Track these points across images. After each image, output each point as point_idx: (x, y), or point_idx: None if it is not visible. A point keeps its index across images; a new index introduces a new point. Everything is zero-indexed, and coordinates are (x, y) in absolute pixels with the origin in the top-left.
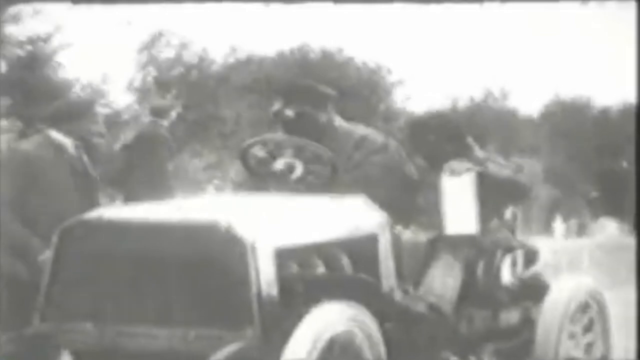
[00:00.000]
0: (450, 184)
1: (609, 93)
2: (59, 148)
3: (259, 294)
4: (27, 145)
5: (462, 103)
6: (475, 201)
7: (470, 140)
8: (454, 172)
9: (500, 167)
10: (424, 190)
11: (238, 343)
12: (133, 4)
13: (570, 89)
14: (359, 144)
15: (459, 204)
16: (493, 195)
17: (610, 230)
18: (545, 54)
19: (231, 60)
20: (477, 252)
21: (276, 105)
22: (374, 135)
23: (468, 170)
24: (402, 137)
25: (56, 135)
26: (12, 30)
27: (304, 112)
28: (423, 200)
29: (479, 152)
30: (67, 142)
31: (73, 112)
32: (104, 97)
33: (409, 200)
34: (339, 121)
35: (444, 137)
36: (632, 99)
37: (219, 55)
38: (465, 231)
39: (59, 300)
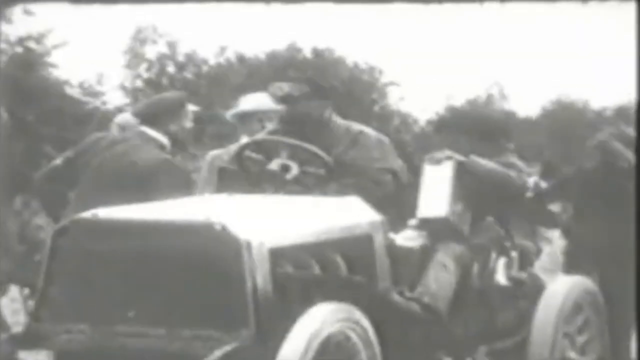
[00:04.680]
0: (430, 172)
1: (609, 94)
2: (161, 147)
3: (254, 294)
4: (147, 151)
5: (459, 103)
6: (449, 186)
7: (504, 142)
8: (434, 161)
9: (487, 161)
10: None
11: (233, 343)
12: (126, 4)
13: (570, 90)
14: (355, 139)
15: (434, 190)
16: (481, 189)
17: None
18: (544, 54)
19: (223, 59)
20: (472, 253)
21: (284, 88)
22: (369, 131)
23: (448, 158)
24: (396, 138)
25: (154, 133)
26: (6, 29)
27: (306, 105)
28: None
29: (510, 157)
30: (165, 140)
31: (169, 109)
32: (100, 97)
33: (400, 197)
34: (336, 118)
35: (478, 134)
36: (631, 99)
37: (210, 54)
38: (435, 214)
39: (53, 301)
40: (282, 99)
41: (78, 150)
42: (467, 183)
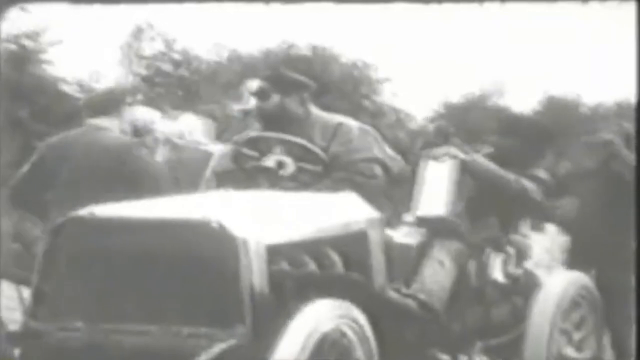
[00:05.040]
0: (430, 169)
1: (605, 92)
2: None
3: (251, 291)
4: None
5: (454, 100)
6: (450, 185)
7: (543, 153)
8: (434, 158)
9: (488, 162)
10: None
11: (229, 340)
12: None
13: (570, 90)
14: (335, 132)
15: (434, 188)
16: (480, 189)
17: None
18: (545, 54)
19: (217, 57)
20: (468, 249)
21: (255, 85)
22: (349, 122)
23: (447, 155)
24: (391, 135)
25: (101, 122)
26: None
27: (279, 100)
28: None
29: (541, 173)
30: (114, 125)
31: (111, 100)
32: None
33: (394, 191)
34: (315, 111)
35: (527, 140)
36: (631, 99)
37: (203, 52)
38: (434, 213)
39: (50, 298)
40: (254, 95)
41: (41, 155)
42: (467, 182)
